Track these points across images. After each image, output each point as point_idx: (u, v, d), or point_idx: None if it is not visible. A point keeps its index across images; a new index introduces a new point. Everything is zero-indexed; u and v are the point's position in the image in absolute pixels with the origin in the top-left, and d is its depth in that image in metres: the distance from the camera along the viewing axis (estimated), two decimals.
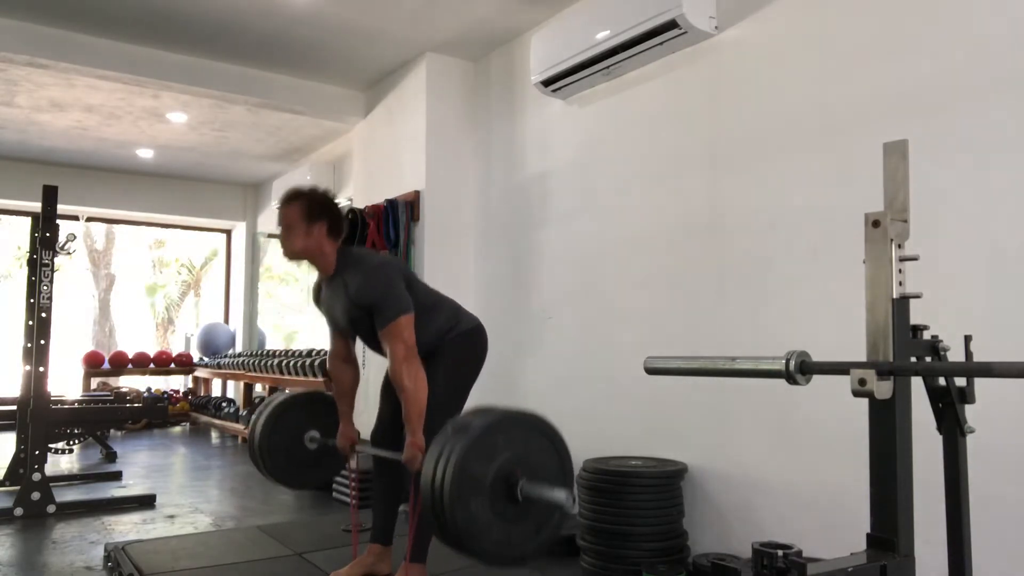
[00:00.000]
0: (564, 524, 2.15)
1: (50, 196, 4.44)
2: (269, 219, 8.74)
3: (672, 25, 3.24)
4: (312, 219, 2.58)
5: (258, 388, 7.70)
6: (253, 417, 2.98)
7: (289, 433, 2.94)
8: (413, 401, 2.44)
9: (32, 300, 4.51)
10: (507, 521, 2.00)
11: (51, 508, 4.16)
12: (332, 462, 3.06)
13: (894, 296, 1.45)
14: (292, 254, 2.64)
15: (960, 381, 1.55)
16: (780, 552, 1.33)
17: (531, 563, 3.26)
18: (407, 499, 2.66)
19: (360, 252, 2.71)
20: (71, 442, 6.34)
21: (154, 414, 7.07)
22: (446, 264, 4.78)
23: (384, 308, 2.50)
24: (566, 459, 2.14)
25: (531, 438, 2.06)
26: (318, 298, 2.81)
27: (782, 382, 1.44)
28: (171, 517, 4.22)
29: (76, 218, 8.39)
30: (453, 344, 2.72)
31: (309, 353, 6.43)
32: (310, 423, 2.98)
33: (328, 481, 3.13)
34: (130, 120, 6.35)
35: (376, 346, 2.68)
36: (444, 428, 2.04)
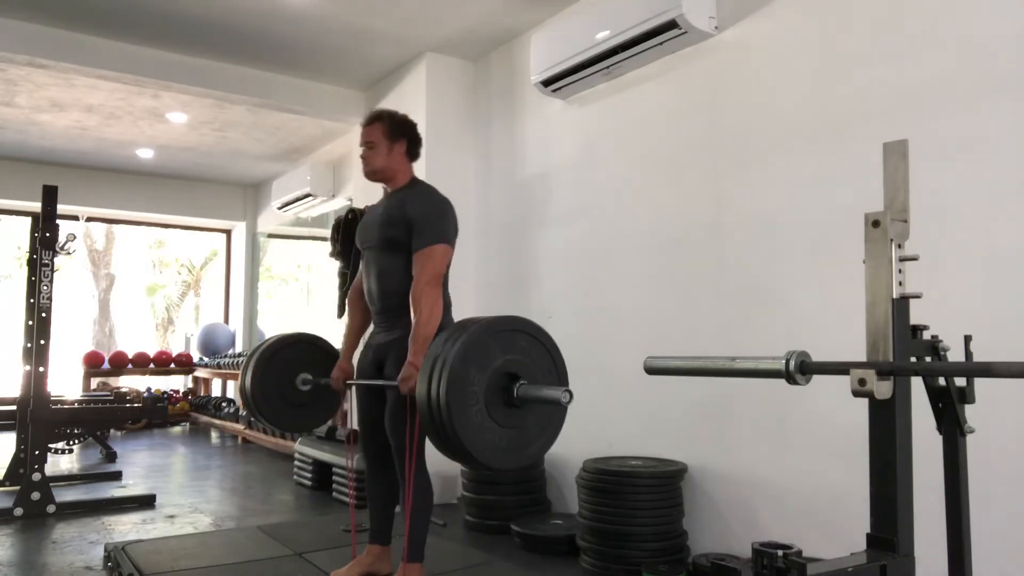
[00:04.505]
0: (563, 422, 2.16)
1: (50, 196, 4.45)
2: (269, 219, 8.74)
3: (672, 25, 3.24)
4: (394, 138, 2.72)
5: None
6: (243, 363, 2.96)
7: (280, 376, 2.91)
8: (424, 323, 2.46)
9: (32, 300, 4.51)
10: (508, 426, 2.01)
11: (51, 508, 4.16)
12: (326, 402, 3.03)
13: (894, 296, 1.44)
14: (373, 171, 2.74)
15: (960, 381, 1.55)
16: (780, 552, 1.33)
17: (531, 568, 3.26)
18: (399, 501, 2.65)
19: (433, 187, 2.79)
20: (71, 442, 6.34)
21: (154, 414, 7.09)
22: None
23: (430, 229, 2.56)
24: (557, 358, 2.17)
25: (520, 341, 2.08)
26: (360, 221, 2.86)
27: (782, 382, 1.44)
28: (171, 517, 4.22)
29: (76, 218, 8.39)
30: None
31: None
32: (300, 365, 2.96)
33: (323, 423, 3.10)
34: (130, 120, 6.35)
35: (385, 272, 2.64)
36: (436, 339, 2.08)
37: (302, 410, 2.98)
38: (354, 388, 2.85)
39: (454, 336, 1.99)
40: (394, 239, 2.62)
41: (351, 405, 2.93)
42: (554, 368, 2.15)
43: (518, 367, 2.03)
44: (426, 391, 1.94)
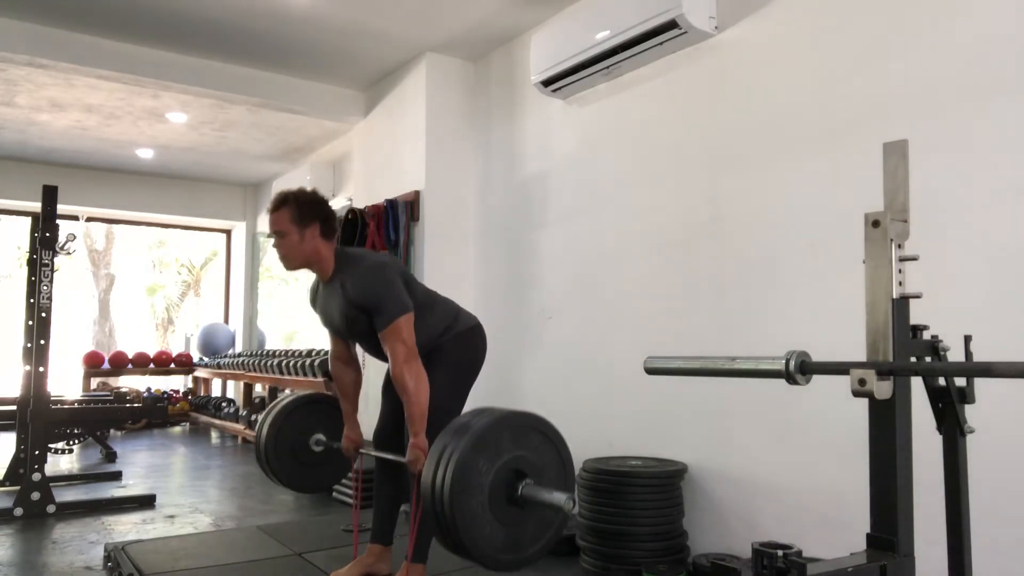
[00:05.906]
0: (564, 528, 2.13)
1: (50, 196, 4.44)
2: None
3: (672, 25, 3.24)
4: (304, 222, 2.53)
5: (258, 388, 7.70)
6: (259, 419, 2.98)
7: (295, 436, 2.94)
8: (415, 402, 2.42)
9: (32, 300, 4.51)
10: (508, 524, 1.98)
11: (51, 508, 4.15)
12: (338, 464, 3.07)
13: (894, 296, 1.44)
14: (295, 267, 2.61)
15: (960, 381, 1.55)
16: (780, 552, 1.33)
17: (531, 567, 3.26)
18: (408, 499, 2.65)
19: (357, 252, 2.67)
20: (71, 442, 6.34)
21: (154, 414, 7.08)
22: (446, 264, 4.77)
23: (383, 309, 2.47)
24: (567, 460, 2.13)
25: (532, 439, 2.04)
26: (315, 301, 2.78)
27: (782, 382, 1.44)
28: (171, 517, 4.22)
29: (76, 218, 8.39)
30: (451, 344, 2.69)
31: (309, 353, 6.43)
32: (315, 426, 2.99)
33: (333, 484, 3.12)
34: (130, 120, 6.35)
35: (373, 349, 2.67)
36: (445, 429, 2.03)
37: (313, 470, 3.01)
38: (381, 391, 2.85)
39: (465, 428, 1.97)
40: (363, 330, 2.58)
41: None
42: (563, 473, 2.10)
43: (526, 465, 2.00)
44: (431, 479, 1.92)
